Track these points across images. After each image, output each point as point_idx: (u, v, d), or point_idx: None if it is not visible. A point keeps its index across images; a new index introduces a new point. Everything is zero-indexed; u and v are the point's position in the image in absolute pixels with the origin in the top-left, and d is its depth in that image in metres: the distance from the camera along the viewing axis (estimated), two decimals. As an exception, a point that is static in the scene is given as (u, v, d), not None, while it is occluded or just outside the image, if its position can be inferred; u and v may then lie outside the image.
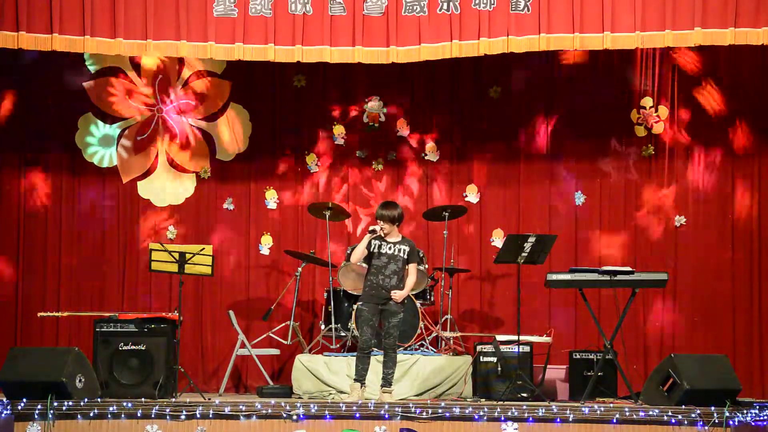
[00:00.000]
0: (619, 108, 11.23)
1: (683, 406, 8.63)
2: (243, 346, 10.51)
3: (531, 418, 8.53)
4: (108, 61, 11.28)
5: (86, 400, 8.72)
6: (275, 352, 10.80)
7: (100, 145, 11.35)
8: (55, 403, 8.52)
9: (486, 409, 8.57)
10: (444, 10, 9.66)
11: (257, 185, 11.41)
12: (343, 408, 8.56)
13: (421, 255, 10.45)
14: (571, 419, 8.52)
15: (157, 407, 8.60)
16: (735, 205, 11.08)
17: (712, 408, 8.49)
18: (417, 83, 11.40)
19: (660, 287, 10.03)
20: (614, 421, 8.51)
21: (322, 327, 10.44)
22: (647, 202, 11.19)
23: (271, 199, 11.39)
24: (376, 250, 9.02)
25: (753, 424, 8.44)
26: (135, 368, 9.46)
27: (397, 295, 8.97)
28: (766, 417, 8.49)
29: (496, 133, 11.35)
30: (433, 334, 10.38)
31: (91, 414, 8.56)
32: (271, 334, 10.69)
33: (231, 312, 10.66)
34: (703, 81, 11.14)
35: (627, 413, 8.54)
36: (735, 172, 11.11)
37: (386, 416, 8.52)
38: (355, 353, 9.27)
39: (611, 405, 8.87)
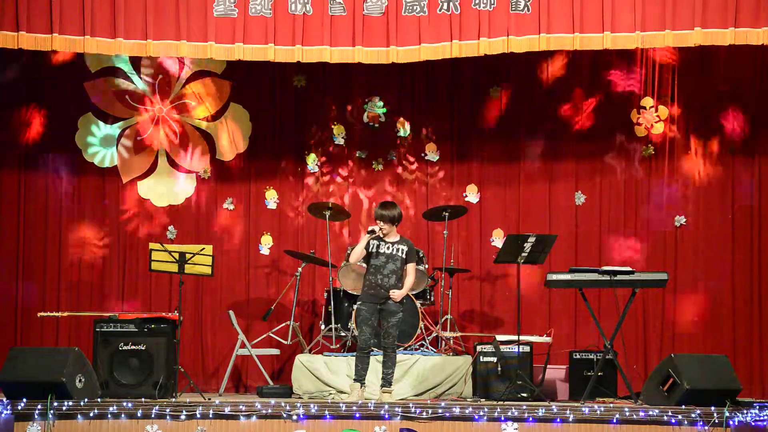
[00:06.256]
0: (619, 108, 11.24)
1: (683, 406, 8.63)
2: (243, 346, 10.51)
3: (531, 418, 8.53)
4: (108, 61, 11.28)
5: (86, 400, 8.72)
6: (275, 352, 10.80)
7: (102, 145, 11.35)
8: (55, 403, 8.52)
9: (486, 409, 8.57)
10: (444, 10, 9.66)
11: (257, 185, 11.41)
12: (343, 408, 8.56)
13: (421, 255, 10.46)
14: (571, 419, 8.52)
15: (157, 407, 8.60)
16: (735, 205, 11.08)
17: (712, 408, 8.49)
18: (417, 83, 11.40)
19: (660, 287, 10.04)
20: (614, 421, 8.51)
21: (322, 327, 10.44)
22: (647, 202, 11.19)
23: (271, 199, 11.39)
24: (374, 250, 9.02)
25: (753, 424, 8.44)
26: (135, 368, 9.46)
27: (396, 294, 8.97)
28: (766, 417, 8.49)
29: (496, 133, 11.36)
30: (433, 334, 10.38)
31: (91, 414, 8.56)
32: (271, 334, 10.69)
33: (231, 312, 10.66)
34: (703, 81, 11.17)
35: (627, 413, 8.54)
36: (735, 172, 11.11)
37: (386, 416, 8.52)
38: (355, 353, 9.27)
39: (611, 405, 8.87)
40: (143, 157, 11.39)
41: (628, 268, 9.59)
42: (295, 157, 11.43)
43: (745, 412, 8.51)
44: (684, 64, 11.14)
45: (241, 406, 8.59)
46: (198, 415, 8.58)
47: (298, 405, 8.59)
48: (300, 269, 10.70)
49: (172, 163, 11.40)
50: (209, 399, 9.06)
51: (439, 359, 9.97)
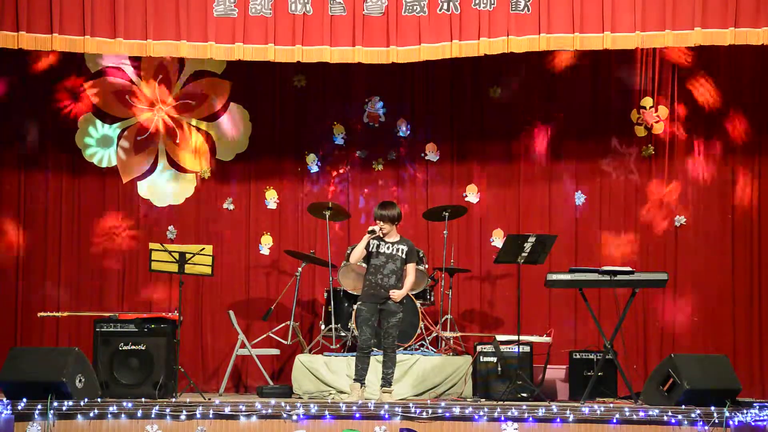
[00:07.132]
0: (619, 108, 11.24)
1: (683, 406, 8.64)
2: (243, 346, 10.51)
3: (531, 418, 8.53)
4: (108, 61, 11.28)
5: (86, 400, 8.72)
6: (275, 352, 10.80)
7: (99, 146, 11.35)
8: (55, 403, 8.52)
9: (486, 409, 8.57)
10: (444, 10, 9.65)
11: (257, 185, 11.41)
12: (343, 408, 8.56)
13: (421, 255, 10.46)
14: (571, 419, 8.52)
15: (157, 407, 8.59)
16: (735, 206, 11.08)
17: (712, 408, 8.49)
18: (417, 83, 11.40)
19: (660, 287, 10.03)
20: (614, 421, 8.50)
21: (322, 327, 10.44)
22: (647, 202, 11.18)
23: (271, 199, 11.39)
24: (374, 250, 9.02)
25: (753, 424, 8.44)
26: (135, 368, 9.46)
27: (396, 294, 8.97)
28: (766, 417, 8.49)
29: (496, 133, 11.35)
30: (433, 334, 10.38)
31: (91, 414, 8.56)
32: (271, 334, 10.69)
33: (231, 312, 10.66)
34: (701, 78, 11.16)
35: (627, 413, 8.53)
36: (735, 172, 11.12)
37: (386, 416, 8.52)
38: (355, 353, 9.27)
39: (611, 405, 8.86)
40: (143, 157, 11.39)
41: (628, 268, 9.59)
42: (295, 157, 11.43)
43: (745, 412, 8.51)
44: (685, 64, 11.14)
45: (241, 406, 8.59)
46: (198, 415, 8.57)
47: (298, 405, 8.59)
48: (300, 269, 10.71)
49: (172, 163, 11.40)
50: (209, 399, 9.06)
51: (439, 359, 9.97)
